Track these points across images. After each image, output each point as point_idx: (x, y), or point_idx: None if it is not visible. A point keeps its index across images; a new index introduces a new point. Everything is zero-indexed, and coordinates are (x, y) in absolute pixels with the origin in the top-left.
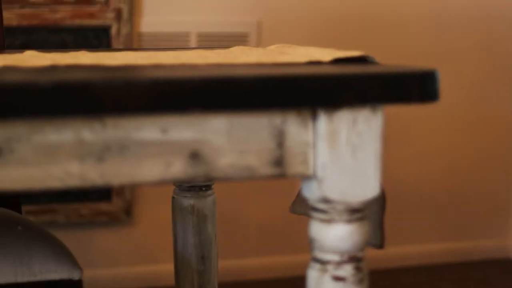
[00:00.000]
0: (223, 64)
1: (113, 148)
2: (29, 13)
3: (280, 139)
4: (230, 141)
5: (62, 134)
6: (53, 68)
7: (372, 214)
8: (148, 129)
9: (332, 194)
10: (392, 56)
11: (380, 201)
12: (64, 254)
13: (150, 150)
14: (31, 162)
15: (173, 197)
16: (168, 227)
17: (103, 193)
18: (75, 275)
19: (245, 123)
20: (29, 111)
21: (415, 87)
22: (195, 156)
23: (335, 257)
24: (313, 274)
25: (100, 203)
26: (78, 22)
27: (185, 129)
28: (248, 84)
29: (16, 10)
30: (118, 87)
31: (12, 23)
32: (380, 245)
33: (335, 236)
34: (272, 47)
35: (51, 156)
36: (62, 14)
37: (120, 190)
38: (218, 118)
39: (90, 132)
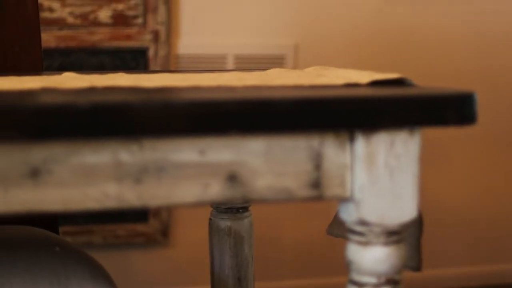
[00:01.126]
0: (261, 86)
1: (150, 169)
2: (67, 35)
3: (317, 161)
4: (268, 163)
5: (99, 155)
6: (91, 90)
7: (410, 236)
8: (185, 151)
9: (370, 216)
10: (430, 77)
11: (418, 223)
12: (101, 275)
13: (188, 172)
14: (69, 183)
15: (210, 219)
16: (205, 249)
17: (140, 215)
18: None
19: (283, 145)
20: (67, 132)
21: (453, 109)
22: (232, 178)
23: (372, 280)
24: None
25: (137, 225)
26: (115, 44)
27: (222, 151)
28: (285, 106)
29: (54, 32)
30: (155, 109)
31: (50, 45)
32: (418, 268)
33: (372, 258)
34: (309, 69)
35: (89, 177)
36: (100, 36)
37: (157, 212)
38: (256, 140)
39: (128, 154)
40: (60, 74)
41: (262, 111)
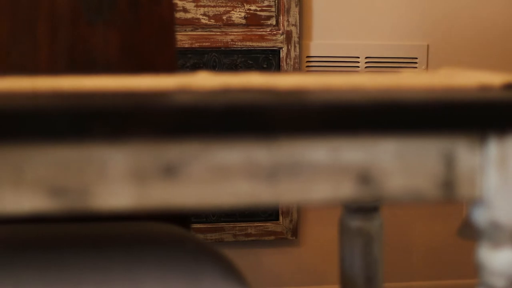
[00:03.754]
0: (393, 88)
1: (283, 168)
2: (200, 35)
3: (449, 163)
4: (399, 163)
5: (234, 154)
6: (225, 90)
7: None
8: (318, 151)
9: (501, 218)
10: None
11: None
12: (233, 273)
13: (320, 171)
14: (204, 181)
15: (340, 219)
16: (334, 248)
17: (270, 213)
18: None
19: (414, 146)
20: (202, 131)
21: None
22: (364, 178)
23: (502, 282)
24: None
25: (267, 223)
26: (248, 44)
27: (354, 151)
28: (417, 107)
29: (188, 32)
30: (289, 109)
31: (184, 45)
32: None
33: (503, 261)
34: (441, 71)
35: (223, 175)
36: (233, 37)
37: (287, 211)
38: (388, 141)
39: (261, 153)
40: (195, 73)
41: (394, 112)
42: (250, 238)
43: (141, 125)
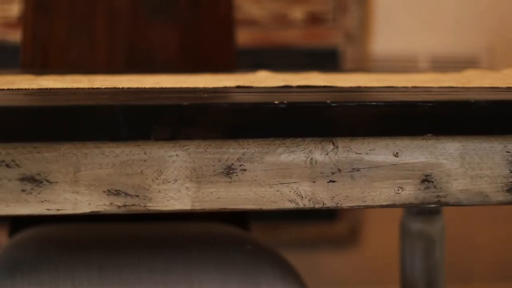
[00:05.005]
0: (456, 88)
1: (344, 170)
2: (258, 35)
3: None
4: (463, 166)
5: (293, 155)
6: (285, 89)
7: None
8: (379, 152)
9: None
10: None
11: None
12: (291, 274)
13: (381, 173)
14: (263, 182)
15: (401, 221)
16: (393, 251)
17: (329, 214)
18: None
19: (478, 147)
20: (262, 131)
21: None
22: (427, 180)
23: None
24: None
25: (326, 225)
26: (307, 43)
27: (417, 153)
28: (482, 108)
29: (245, 31)
30: (350, 109)
31: (241, 44)
32: None
33: None
34: (505, 71)
35: (283, 177)
36: (292, 36)
37: (346, 211)
38: (451, 142)
39: (322, 153)
40: (254, 72)
41: (458, 112)
42: (308, 239)
43: (200, 124)
